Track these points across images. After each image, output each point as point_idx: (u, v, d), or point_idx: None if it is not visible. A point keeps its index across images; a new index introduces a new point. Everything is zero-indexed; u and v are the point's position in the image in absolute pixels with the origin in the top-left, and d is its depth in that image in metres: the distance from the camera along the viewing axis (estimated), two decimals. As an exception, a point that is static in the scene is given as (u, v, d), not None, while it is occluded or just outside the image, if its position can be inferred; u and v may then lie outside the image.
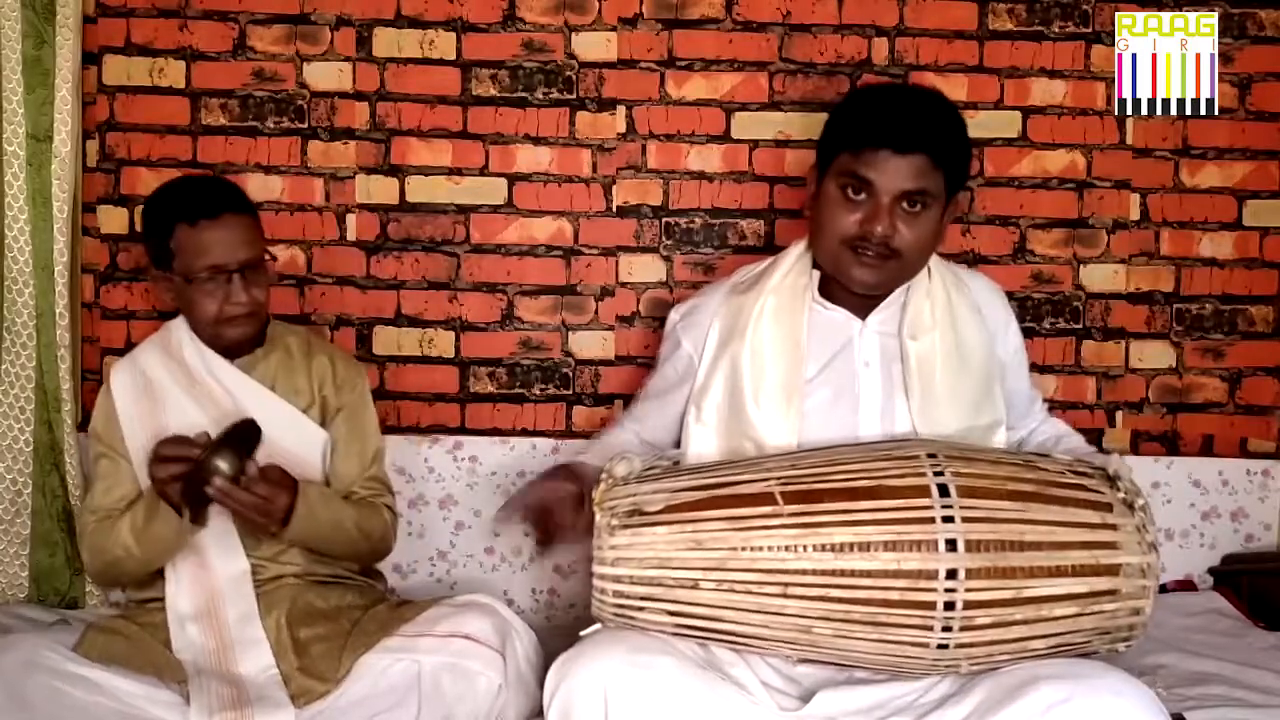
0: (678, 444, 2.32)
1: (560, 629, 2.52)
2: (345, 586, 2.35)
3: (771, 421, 2.13)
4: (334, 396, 2.41)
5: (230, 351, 2.33)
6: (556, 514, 1.98)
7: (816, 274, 2.21)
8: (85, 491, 2.63)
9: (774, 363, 2.16)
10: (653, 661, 1.81)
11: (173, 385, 2.32)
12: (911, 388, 2.13)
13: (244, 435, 2.08)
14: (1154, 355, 2.89)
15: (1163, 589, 2.74)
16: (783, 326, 2.18)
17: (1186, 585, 2.78)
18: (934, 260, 2.21)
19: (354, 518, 2.30)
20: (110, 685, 2.03)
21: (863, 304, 2.18)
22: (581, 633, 1.91)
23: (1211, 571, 2.82)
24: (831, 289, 2.19)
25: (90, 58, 2.75)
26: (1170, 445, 2.90)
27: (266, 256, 2.30)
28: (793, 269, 2.23)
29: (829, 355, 2.17)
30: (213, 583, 2.22)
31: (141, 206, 2.35)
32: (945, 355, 2.15)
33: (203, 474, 2.00)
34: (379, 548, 2.39)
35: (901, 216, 2.06)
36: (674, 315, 2.38)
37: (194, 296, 2.23)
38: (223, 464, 2.01)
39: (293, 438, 2.33)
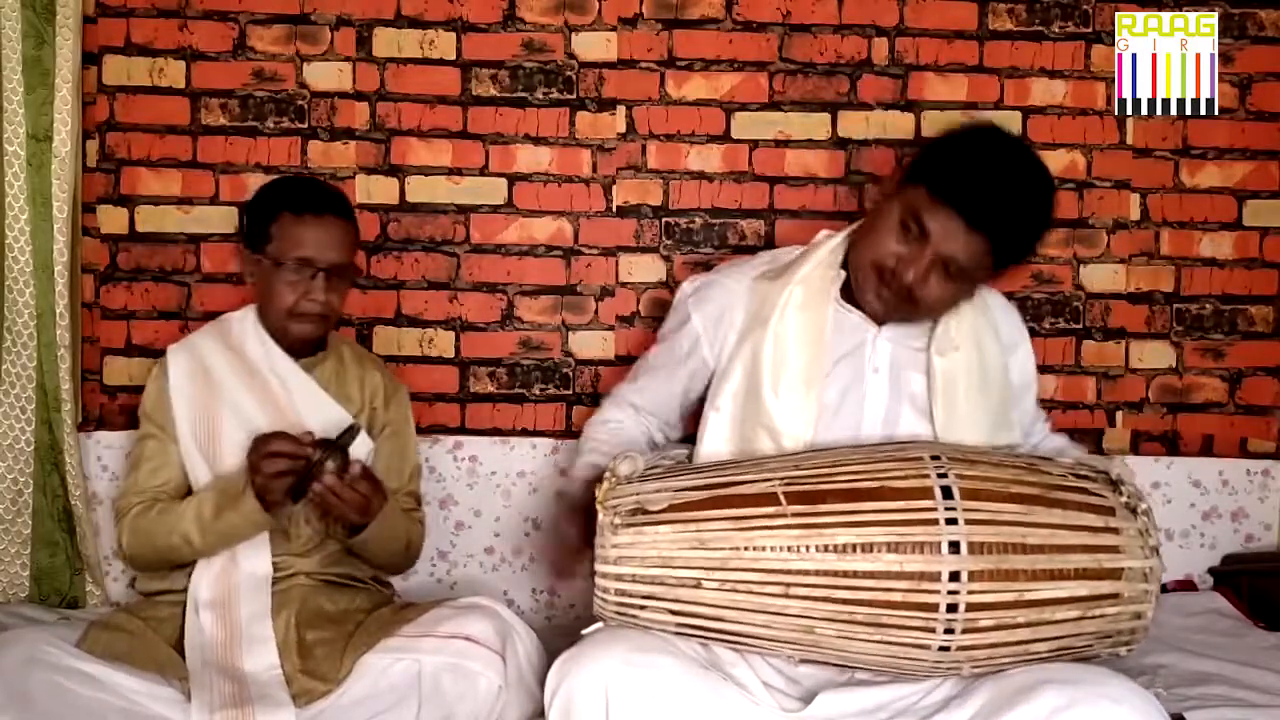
0: (678, 422, 2.37)
1: (561, 629, 2.52)
2: (355, 590, 2.37)
3: (789, 411, 2.11)
4: (383, 410, 2.48)
5: (294, 350, 2.37)
6: (566, 566, 2.08)
7: (843, 274, 2.19)
8: (85, 490, 2.65)
9: (796, 352, 2.14)
10: (654, 661, 1.81)
11: (230, 375, 2.35)
12: (936, 405, 2.12)
13: (348, 435, 2.15)
14: (1154, 355, 2.89)
15: (1163, 589, 2.71)
16: (808, 316, 2.16)
17: (1187, 585, 2.79)
18: None
19: (406, 526, 2.41)
20: (112, 681, 2.03)
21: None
22: (583, 631, 1.91)
23: (1212, 571, 2.82)
24: (852, 291, 2.17)
25: (90, 58, 2.75)
26: (1170, 445, 2.90)
27: (354, 266, 2.37)
28: (824, 262, 2.20)
29: (840, 355, 2.17)
30: (235, 578, 2.24)
31: (248, 201, 2.42)
32: (968, 374, 2.14)
33: (315, 471, 2.08)
34: (410, 560, 2.48)
35: (938, 274, 2.04)
36: (686, 288, 2.37)
37: (276, 283, 2.29)
38: (333, 463, 2.11)
39: None
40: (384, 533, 2.28)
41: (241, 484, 2.16)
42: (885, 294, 2.08)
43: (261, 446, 2.13)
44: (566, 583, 2.09)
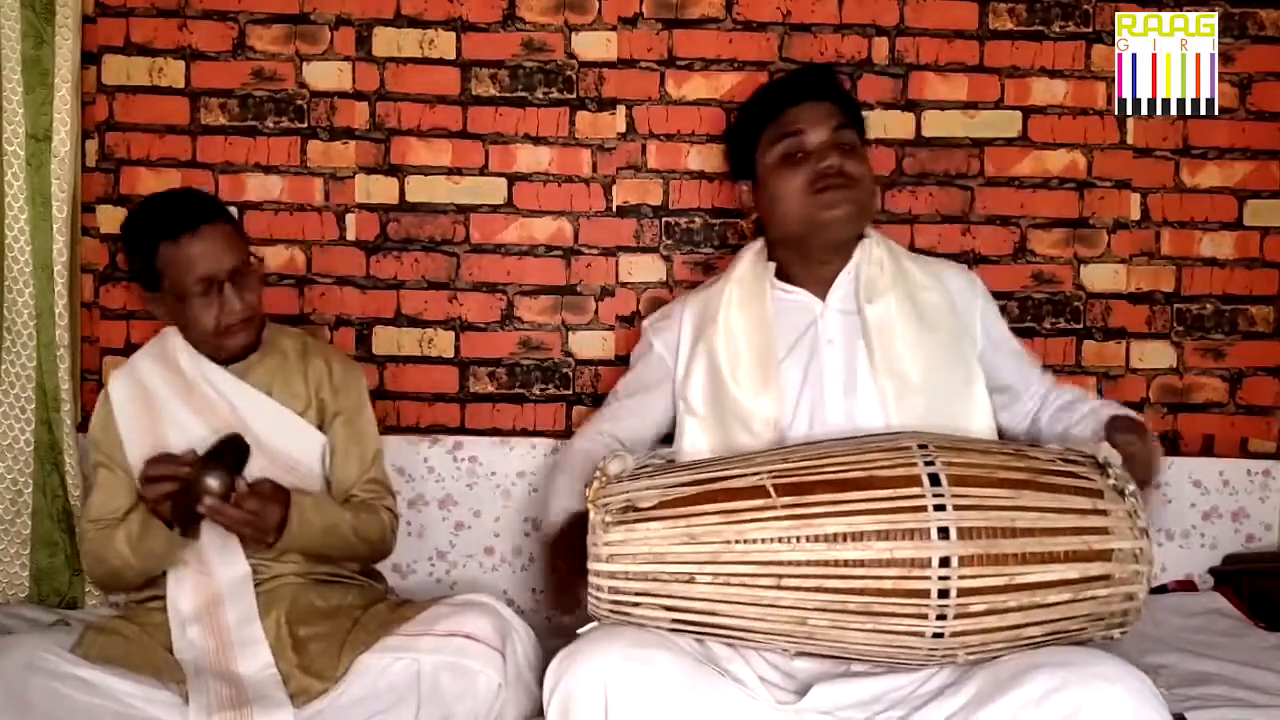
0: (656, 443, 2.41)
1: (560, 628, 2.50)
2: (346, 586, 2.35)
3: (753, 396, 2.20)
4: (331, 399, 2.41)
5: (231, 358, 2.34)
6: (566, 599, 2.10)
7: (772, 264, 2.33)
8: (85, 492, 2.64)
9: (747, 342, 2.26)
10: (652, 656, 1.81)
11: (170, 395, 2.32)
12: (873, 348, 2.19)
13: (233, 451, 2.11)
14: (1154, 355, 2.88)
15: (1164, 589, 2.74)
16: (749, 308, 2.29)
17: (1187, 585, 2.78)
18: (883, 239, 2.34)
19: (351, 523, 2.31)
20: (109, 686, 2.03)
21: (822, 282, 2.29)
22: (579, 631, 1.91)
23: (1212, 572, 2.81)
24: (790, 272, 2.32)
25: (90, 57, 2.76)
26: (1171, 445, 2.89)
27: (252, 260, 2.29)
28: (751, 261, 2.36)
29: (794, 337, 2.26)
30: (214, 586, 2.22)
31: (121, 241, 2.35)
32: (903, 315, 2.22)
33: (193, 492, 2.04)
34: (379, 549, 2.41)
35: (841, 155, 2.24)
36: (646, 322, 2.49)
37: (190, 311, 2.24)
38: (213, 482, 2.06)
39: (291, 442, 2.34)
40: (308, 538, 2.24)
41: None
42: (835, 192, 2.23)
43: (146, 469, 2.13)
44: (568, 611, 2.13)
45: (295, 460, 2.33)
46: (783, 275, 2.32)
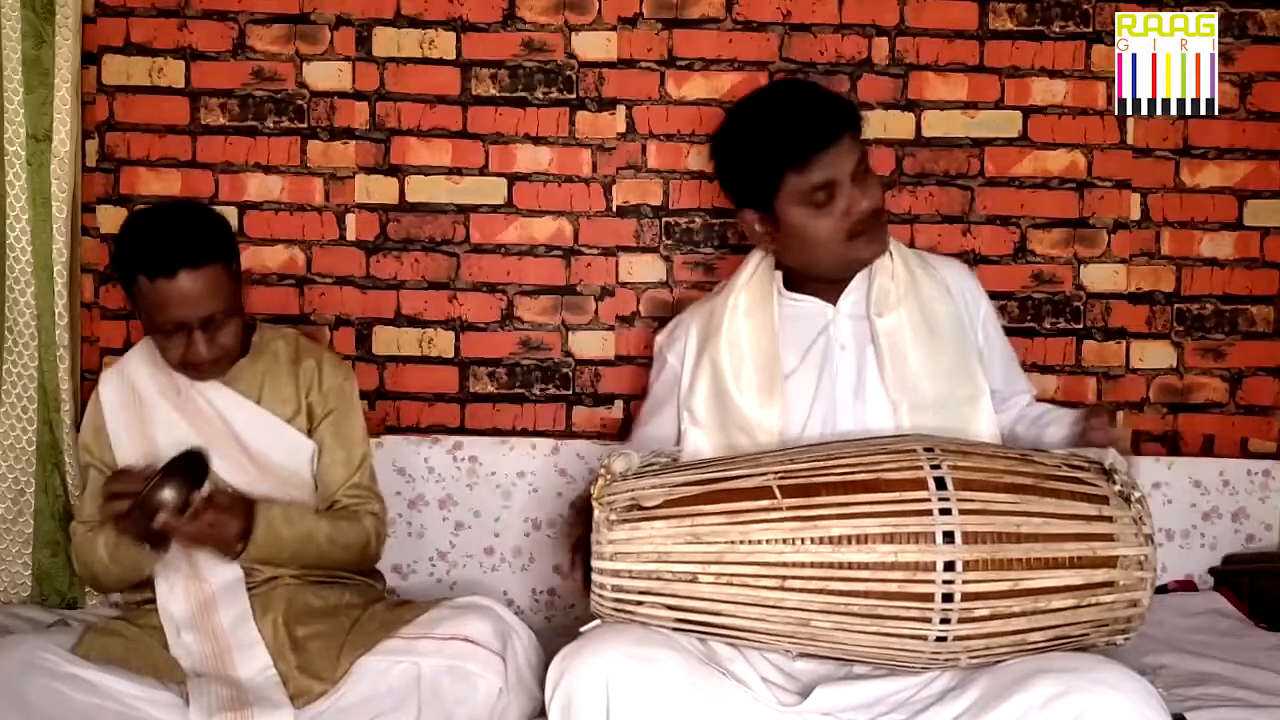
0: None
1: (560, 629, 2.51)
2: (343, 586, 2.34)
3: (756, 406, 2.19)
4: (320, 402, 2.39)
5: None
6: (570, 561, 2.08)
7: (779, 273, 2.29)
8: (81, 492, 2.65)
9: (751, 350, 2.23)
10: (654, 655, 1.81)
11: (159, 397, 2.32)
12: (883, 363, 2.18)
13: (191, 465, 2.09)
14: (1155, 355, 2.88)
15: (1164, 589, 2.74)
16: (755, 316, 2.26)
17: (1187, 585, 2.78)
18: (895, 244, 2.29)
19: (326, 531, 2.27)
20: (109, 686, 2.03)
21: (833, 290, 2.26)
22: (581, 629, 1.91)
23: (1212, 572, 2.81)
24: (798, 282, 2.28)
25: (90, 57, 2.76)
26: (1171, 445, 2.89)
27: (233, 306, 2.24)
28: (758, 268, 2.32)
29: (806, 344, 2.24)
30: (206, 590, 2.21)
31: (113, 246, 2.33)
32: (914, 328, 2.20)
33: (147, 508, 2.03)
34: (364, 556, 2.37)
35: (862, 185, 2.16)
36: (659, 339, 2.46)
37: (157, 341, 2.24)
38: (166, 496, 2.05)
39: (279, 449, 2.34)
40: (276, 549, 2.21)
41: None
42: (872, 234, 2.19)
43: (105, 485, 2.13)
44: (570, 581, 2.14)
45: (284, 468, 2.33)
46: (790, 283, 2.29)
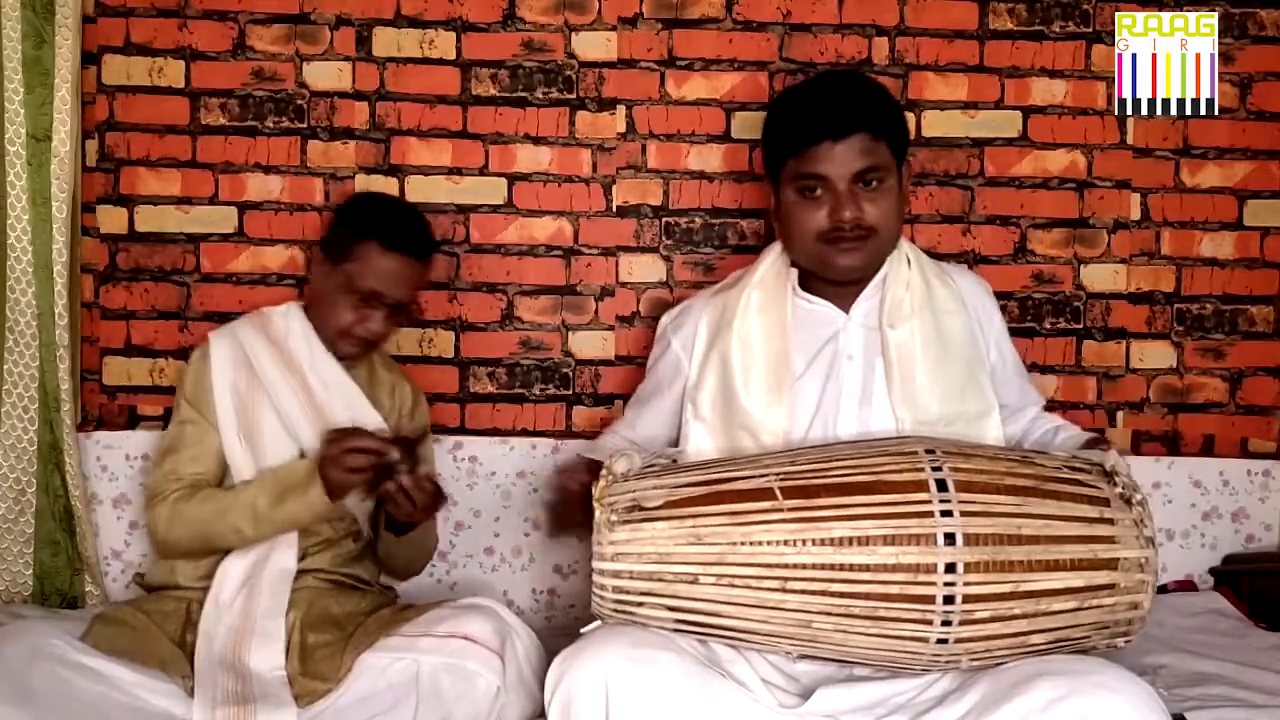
0: (673, 444, 2.34)
1: (560, 629, 2.52)
2: (362, 592, 2.40)
3: (764, 407, 2.17)
4: (408, 419, 2.53)
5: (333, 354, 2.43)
6: (568, 509, 2.06)
7: (795, 271, 2.27)
8: (84, 490, 2.66)
9: (762, 350, 2.21)
10: (654, 656, 1.80)
11: (272, 368, 2.39)
12: (892, 376, 2.16)
13: (418, 440, 2.33)
14: (1155, 355, 2.88)
15: (1164, 589, 2.74)
16: (768, 315, 2.24)
17: (1187, 585, 2.78)
18: (913, 252, 2.27)
19: (434, 532, 2.54)
20: (115, 675, 2.04)
21: (846, 296, 2.24)
22: (582, 630, 1.91)
23: (1212, 572, 2.81)
24: (811, 283, 2.26)
25: (90, 57, 2.75)
26: (1171, 445, 2.89)
27: (415, 305, 2.56)
28: (773, 265, 2.29)
29: (816, 349, 2.22)
30: (261, 571, 2.26)
31: (336, 208, 2.57)
32: (925, 342, 2.18)
33: (393, 467, 2.19)
34: (427, 561, 2.58)
35: (863, 196, 2.13)
36: (664, 319, 2.44)
37: (338, 300, 2.37)
38: (403, 463, 2.21)
39: None
40: (425, 533, 2.43)
41: (302, 475, 2.22)
42: (847, 244, 2.16)
43: (342, 441, 2.19)
44: (559, 538, 2.17)
45: None
46: (805, 284, 2.27)
